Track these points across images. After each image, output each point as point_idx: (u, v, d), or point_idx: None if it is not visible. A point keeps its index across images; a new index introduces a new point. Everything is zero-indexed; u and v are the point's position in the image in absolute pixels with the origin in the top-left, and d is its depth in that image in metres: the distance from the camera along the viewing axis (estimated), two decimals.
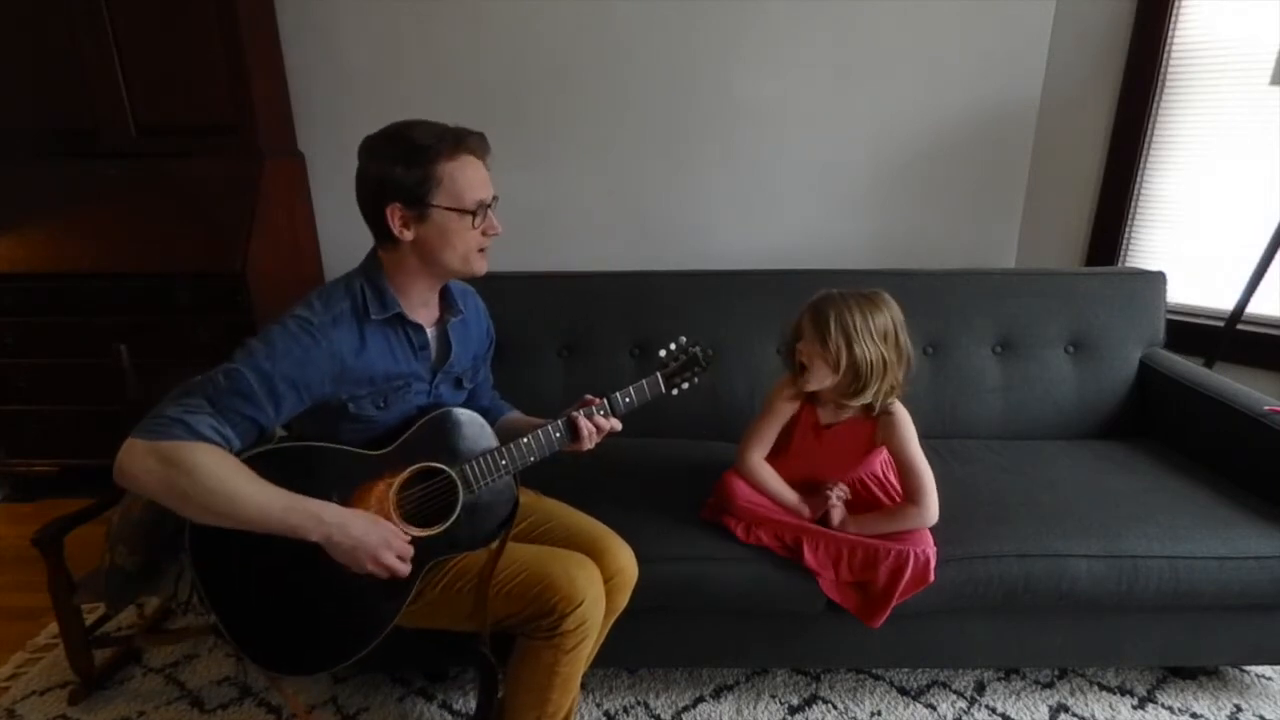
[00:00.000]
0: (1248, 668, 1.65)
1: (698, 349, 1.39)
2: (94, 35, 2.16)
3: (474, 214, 1.18)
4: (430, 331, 1.28)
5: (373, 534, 1.11)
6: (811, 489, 1.46)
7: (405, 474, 1.20)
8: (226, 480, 1.02)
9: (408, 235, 1.18)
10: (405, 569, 1.15)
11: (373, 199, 1.18)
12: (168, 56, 2.19)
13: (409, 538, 1.17)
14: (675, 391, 1.38)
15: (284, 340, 1.11)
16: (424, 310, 1.27)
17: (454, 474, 1.22)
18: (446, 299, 1.32)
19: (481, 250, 1.23)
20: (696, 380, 1.39)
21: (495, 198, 1.22)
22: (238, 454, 1.07)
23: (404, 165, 1.14)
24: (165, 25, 2.16)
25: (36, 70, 2.21)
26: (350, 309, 1.18)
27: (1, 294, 2.17)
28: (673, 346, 1.38)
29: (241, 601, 1.13)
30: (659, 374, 1.36)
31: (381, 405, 1.21)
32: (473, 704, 1.54)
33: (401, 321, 1.23)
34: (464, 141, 1.17)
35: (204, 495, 1.01)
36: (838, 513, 1.40)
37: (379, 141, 1.18)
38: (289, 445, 1.15)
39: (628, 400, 1.33)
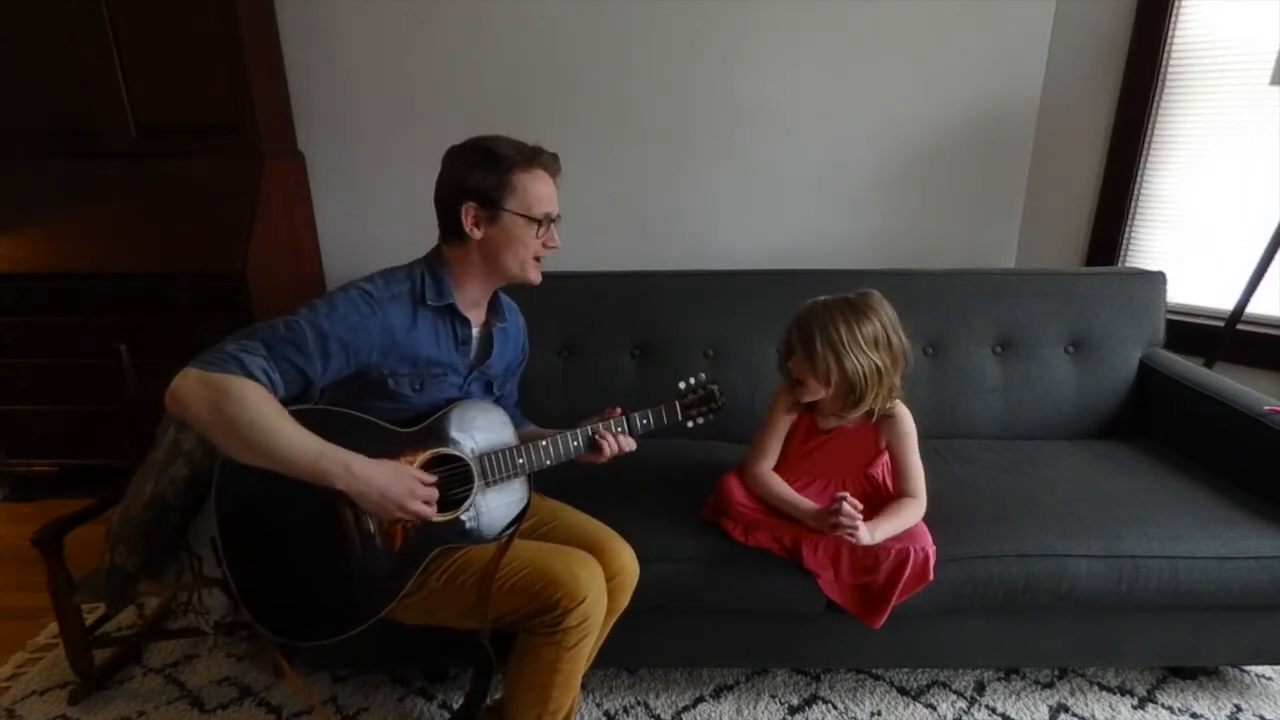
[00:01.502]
0: (1248, 668, 1.65)
1: (715, 387, 1.45)
2: (94, 35, 2.16)
3: (539, 223, 1.27)
4: (475, 330, 1.35)
5: (398, 484, 1.15)
6: (817, 491, 1.45)
7: (425, 455, 1.24)
8: (268, 416, 1.07)
9: (477, 234, 1.26)
10: (431, 513, 1.19)
11: (450, 198, 1.26)
12: (168, 56, 2.19)
13: (433, 481, 1.20)
14: (691, 424, 1.44)
15: (345, 305, 1.19)
16: (474, 310, 1.35)
17: (472, 463, 1.26)
18: (495, 306, 1.40)
19: (537, 259, 1.32)
20: (711, 417, 1.45)
21: (559, 215, 1.31)
22: (281, 401, 1.11)
23: (483, 170, 1.24)
24: (165, 25, 2.16)
25: (36, 70, 2.21)
26: (408, 291, 1.26)
27: (1, 294, 2.17)
28: (692, 380, 1.44)
29: (252, 561, 1.16)
30: (677, 403, 1.42)
31: (417, 388, 1.27)
32: (466, 697, 1.54)
33: (452, 312, 1.30)
34: (539, 157, 1.27)
35: (245, 427, 1.05)
36: (865, 533, 1.29)
37: (462, 149, 1.27)
38: (323, 407, 1.21)
39: (645, 422, 1.39)
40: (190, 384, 1.06)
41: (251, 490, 1.14)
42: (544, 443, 1.32)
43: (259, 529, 1.16)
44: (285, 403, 1.12)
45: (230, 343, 1.11)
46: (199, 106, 2.23)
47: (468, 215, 1.25)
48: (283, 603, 1.18)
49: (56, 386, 2.25)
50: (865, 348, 1.30)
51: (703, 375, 1.45)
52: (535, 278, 1.33)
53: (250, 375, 1.07)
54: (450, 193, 1.26)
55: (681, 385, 1.43)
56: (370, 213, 2.57)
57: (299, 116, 2.48)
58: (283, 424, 1.08)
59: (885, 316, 1.34)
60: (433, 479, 1.20)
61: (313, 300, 1.19)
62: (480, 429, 1.31)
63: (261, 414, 1.06)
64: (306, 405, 1.17)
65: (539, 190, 1.26)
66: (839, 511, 1.28)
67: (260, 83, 2.26)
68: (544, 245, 1.30)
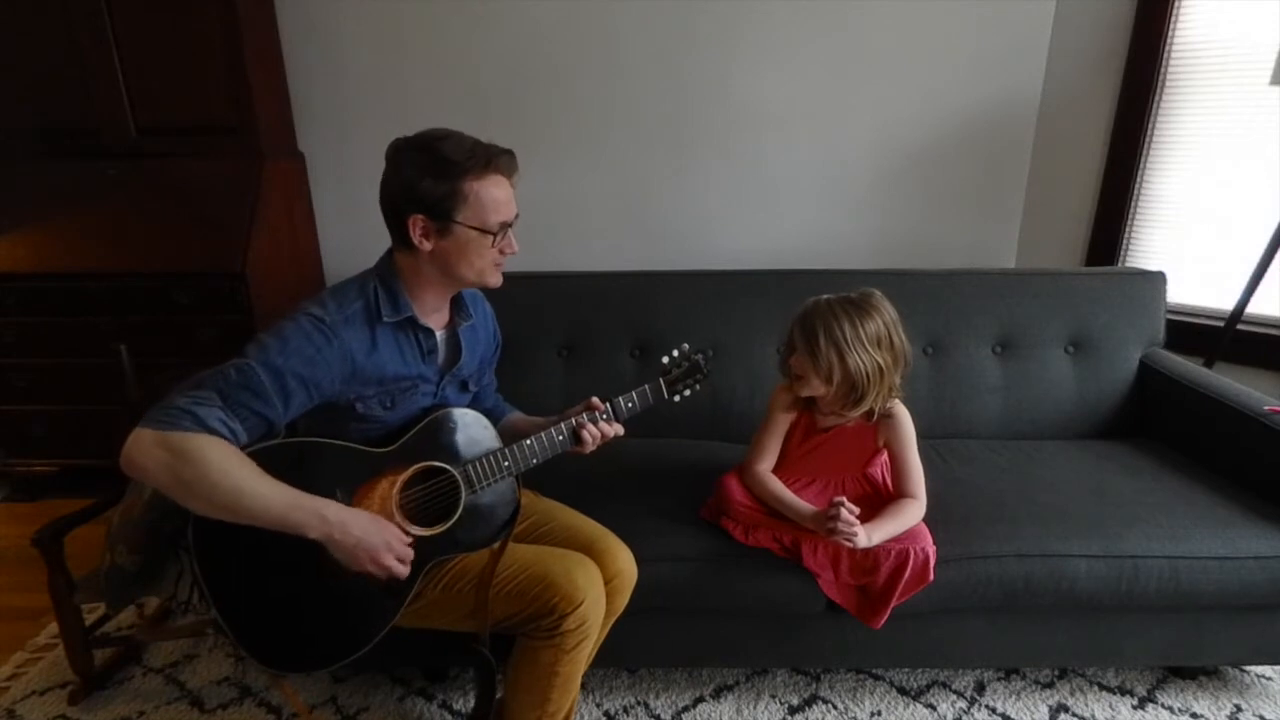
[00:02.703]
0: (1248, 668, 1.65)
1: (700, 357, 1.40)
2: (94, 35, 2.16)
3: (495, 234, 1.19)
4: (440, 335, 1.30)
5: (374, 535, 1.11)
6: (816, 491, 1.45)
7: (409, 472, 1.20)
8: (232, 474, 1.02)
9: (427, 245, 1.18)
10: (404, 571, 1.15)
11: (396, 206, 1.17)
12: (168, 56, 2.19)
13: (411, 539, 1.17)
14: (677, 398, 1.40)
15: (297, 337, 1.11)
16: (435, 316, 1.29)
17: (457, 474, 1.22)
18: (457, 304, 1.33)
19: (497, 264, 1.24)
20: (698, 388, 1.41)
21: (517, 216, 1.23)
22: (244, 447, 1.07)
23: (433, 178, 1.14)
24: (165, 25, 2.16)
25: (36, 70, 2.21)
26: (363, 309, 1.19)
27: (2, 294, 2.17)
28: (675, 353, 1.39)
29: (242, 597, 1.14)
30: (661, 380, 1.38)
31: (389, 405, 1.22)
32: (473, 704, 1.54)
33: (413, 325, 1.23)
34: (494, 161, 1.16)
35: (209, 488, 1.01)
36: (863, 537, 1.29)
37: (409, 150, 1.16)
38: (295, 440, 1.16)
39: (630, 405, 1.34)
40: (145, 447, 1.00)
41: (232, 531, 1.08)
42: (528, 441, 1.27)
43: (245, 569, 1.13)
44: (248, 445, 1.07)
45: (181, 396, 1.03)
46: (199, 106, 2.23)
47: (416, 227, 1.16)
48: (280, 637, 1.16)
49: (56, 386, 2.25)
50: (868, 346, 1.30)
51: (686, 346, 1.40)
52: (495, 282, 1.25)
53: (208, 429, 1.01)
54: (397, 201, 1.17)
55: (665, 360, 1.39)
56: (370, 213, 2.53)
57: (299, 116, 2.48)
58: (248, 480, 1.03)
59: (887, 315, 1.34)
60: (409, 539, 1.16)
61: (260, 336, 1.11)
62: (460, 435, 1.25)
63: (224, 474, 1.00)
64: (275, 441, 1.12)
65: (494, 197, 1.17)
66: (837, 517, 1.28)
67: (260, 83, 2.26)
68: (501, 253, 1.22)
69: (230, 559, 1.12)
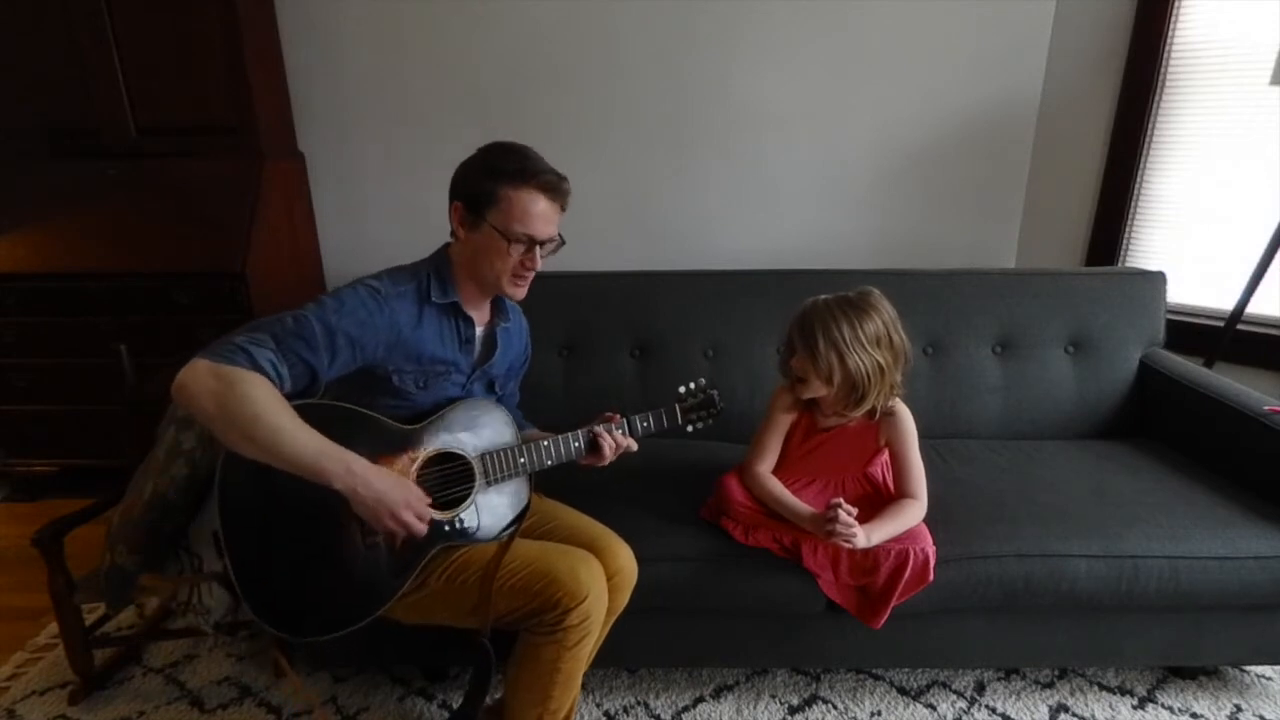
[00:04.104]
0: (1248, 668, 1.65)
1: (715, 392, 1.47)
2: (94, 35, 2.16)
3: (513, 241, 1.25)
4: (479, 330, 1.36)
5: (396, 491, 1.14)
6: (816, 491, 1.45)
7: (429, 452, 1.25)
8: (273, 412, 1.06)
9: (461, 234, 1.28)
10: (422, 529, 1.18)
11: (451, 190, 1.29)
12: (168, 56, 2.19)
13: (430, 501, 1.20)
14: (690, 429, 1.45)
15: (353, 301, 1.20)
16: (478, 310, 1.36)
17: (473, 462, 1.27)
18: (499, 305, 1.41)
19: (517, 276, 1.29)
20: (711, 422, 1.47)
21: (560, 241, 1.30)
22: (286, 396, 1.11)
23: (478, 175, 1.25)
24: (165, 25, 2.16)
25: (36, 70, 2.21)
26: (415, 289, 1.28)
27: (2, 294, 2.17)
28: (691, 385, 1.45)
29: (253, 554, 1.15)
30: (678, 406, 1.43)
31: (421, 385, 1.28)
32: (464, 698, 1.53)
33: (456, 311, 1.31)
34: (537, 177, 1.24)
35: (249, 422, 1.05)
36: (861, 538, 1.29)
37: (482, 149, 1.29)
38: (328, 401, 1.20)
39: (645, 425, 1.40)
40: (199, 376, 1.05)
41: (255, 484, 1.13)
42: (545, 442, 1.32)
43: (261, 523, 1.16)
44: (290, 397, 1.11)
45: (238, 335, 1.11)
46: (199, 106, 2.23)
47: (455, 213, 1.27)
48: (283, 597, 1.18)
49: (56, 386, 2.25)
50: (868, 346, 1.30)
51: (702, 380, 1.46)
52: (513, 294, 1.31)
53: (258, 368, 1.07)
54: (451, 186, 1.28)
55: (681, 390, 1.44)
56: (370, 213, 2.57)
57: (299, 116, 2.48)
58: (286, 421, 1.07)
59: (886, 314, 1.34)
60: (429, 500, 1.19)
61: (320, 296, 1.20)
62: (482, 428, 1.31)
63: (266, 410, 1.06)
64: (311, 399, 1.17)
65: (525, 209, 1.23)
66: (835, 519, 1.28)
67: (260, 83, 2.26)
68: (522, 265, 1.28)
69: (249, 515, 1.15)
